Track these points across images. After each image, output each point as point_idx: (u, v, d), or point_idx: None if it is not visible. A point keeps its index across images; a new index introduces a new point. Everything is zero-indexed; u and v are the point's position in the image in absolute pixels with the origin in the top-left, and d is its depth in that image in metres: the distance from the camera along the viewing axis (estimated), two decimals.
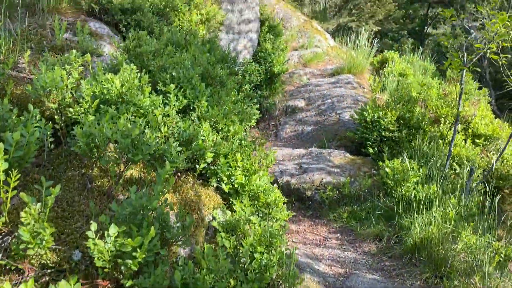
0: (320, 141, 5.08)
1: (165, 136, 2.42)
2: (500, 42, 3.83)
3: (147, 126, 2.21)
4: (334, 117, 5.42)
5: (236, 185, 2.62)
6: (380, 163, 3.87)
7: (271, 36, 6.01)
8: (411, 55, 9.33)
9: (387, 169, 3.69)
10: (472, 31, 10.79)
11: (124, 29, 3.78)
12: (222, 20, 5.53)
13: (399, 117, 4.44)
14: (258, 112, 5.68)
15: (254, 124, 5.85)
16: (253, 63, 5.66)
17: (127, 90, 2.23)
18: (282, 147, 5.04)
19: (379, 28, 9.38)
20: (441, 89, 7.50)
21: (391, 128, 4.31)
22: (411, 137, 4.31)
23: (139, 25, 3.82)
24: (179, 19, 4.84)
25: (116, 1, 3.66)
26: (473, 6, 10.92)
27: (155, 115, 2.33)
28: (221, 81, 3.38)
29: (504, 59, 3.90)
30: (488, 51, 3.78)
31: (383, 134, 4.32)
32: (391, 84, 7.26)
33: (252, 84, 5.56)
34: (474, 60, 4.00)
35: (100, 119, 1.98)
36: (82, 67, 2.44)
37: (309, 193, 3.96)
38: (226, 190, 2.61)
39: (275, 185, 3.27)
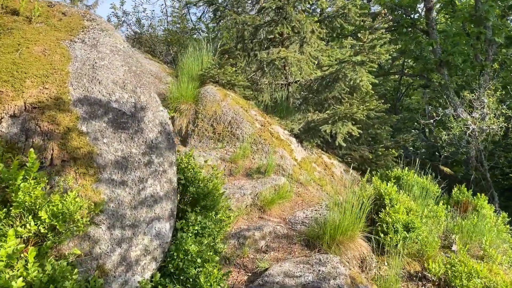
0: None
1: None
2: None
3: None
4: None
5: None
6: None
7: (199, 218, 3.31)
8: (405, 168, 6.98)
9: None
10: (469, 122, 8.74)
11: None
12: (101, 204, 2.82)
13: None
14: None
15: None
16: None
17: None
18: None
19: (360, 132, 7.03)
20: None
21: None
22: None
23: None
24: None
25: None
26: (469, 92, 8.94)
27: None
28: None
29: None
30: None
31: None
32: (395, 243, 4.76)
33: None
34: None
35: None
36: None
37: None
38: None
39: None
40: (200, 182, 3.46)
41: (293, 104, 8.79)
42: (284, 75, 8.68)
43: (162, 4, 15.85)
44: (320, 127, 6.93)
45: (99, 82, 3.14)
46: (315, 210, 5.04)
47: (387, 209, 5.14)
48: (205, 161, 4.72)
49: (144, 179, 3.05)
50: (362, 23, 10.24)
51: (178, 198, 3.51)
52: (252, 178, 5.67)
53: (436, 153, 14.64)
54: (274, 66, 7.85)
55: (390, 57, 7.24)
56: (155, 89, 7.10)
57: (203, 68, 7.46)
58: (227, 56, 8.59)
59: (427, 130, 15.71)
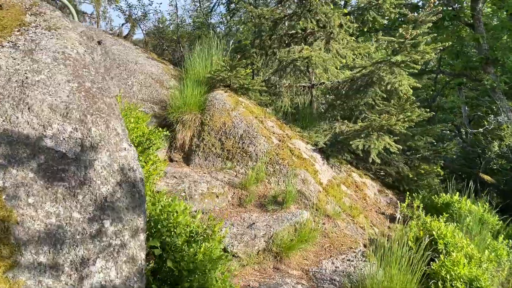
0: None
1: None
2: None
3: None
4: None
5: None
6: None
7: None
8: (454, 193, 5.73)
9: None
10: None
11: None
12: None
13: None
14: None
15: None
16: None
17: None
18: None
19: (399, 147, 5.79)
20: None
21: None
22: None
23: None
24: None
25: None
26: None
27: None
28: None
29: None
30: None
31: None
32: None
33: None
34: None
35: None
36: None
37: None
38: None
39: None
40: (184, 249, 2.35)
41: (317, 110, 7.60)
42: (307, 76, 7.49)
43: None
44: (351, 142, 5.73)
45: (29, 108, 2.08)
46: (348, 260, 3.88)
47: (442, 257, 3.94)
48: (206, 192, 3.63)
49: (89, 260, 1.97)
50: (397, 16, 8.95)
51: (153, 272, 2.42)
52: (267, 210, 4.55)
53: (477, 159, 13.15)
54: (296, 68, 6.67)
55: (436, 56, 5.97)
56: (155, 95, 6.06)
57: (212, 70, 6.36)
58: (241, 54, 7.48)
59: (463, 131, 14.25)
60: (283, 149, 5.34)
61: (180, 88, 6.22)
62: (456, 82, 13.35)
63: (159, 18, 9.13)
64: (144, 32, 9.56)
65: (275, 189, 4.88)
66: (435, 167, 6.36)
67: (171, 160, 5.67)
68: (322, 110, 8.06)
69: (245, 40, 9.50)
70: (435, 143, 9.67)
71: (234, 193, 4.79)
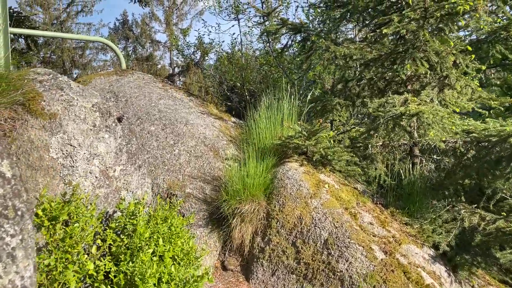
0: None
1: None
2: None
3: None
4: None
5: None
6: None
7: None
8: None
9: None
10: None
11: None
12: None
13: None
14: None
15: None
16: None
17: None
18: None
19: None
20: None
21: None
22: None
23: None
24: None
25: None
26: None
27: None
28: None
29: None
30: None
31: None
32: None
33: None
34: None
35: None
36: None
37: None
38: None
39: None
40: None
41: (424, 179, 5.56)
42: (407, 131, 5.52)
43: (234, 33, 13.72)
44: (498, 254, 3.67)
45: None
46: None
47: None
48: None
49: None
50: None
51: None
52: None
53: None
54: (399, 128, 4.78)
55: None
56: (208, 168, 4.53)
57: (283, 135, 4.70)
58: (320, 106, 5.76)
59: None
60: (392, 270, 3.44)
61: (240, 159, 4.64)
62: None
63: (219, 58, 7.77)
64: (203, 74, 8.28)
65: None
66: None
67: (224, 267, 4.03)
68: (427, 174, 6.00)
69: (317, 78, 7.81)
70: None
71: None
